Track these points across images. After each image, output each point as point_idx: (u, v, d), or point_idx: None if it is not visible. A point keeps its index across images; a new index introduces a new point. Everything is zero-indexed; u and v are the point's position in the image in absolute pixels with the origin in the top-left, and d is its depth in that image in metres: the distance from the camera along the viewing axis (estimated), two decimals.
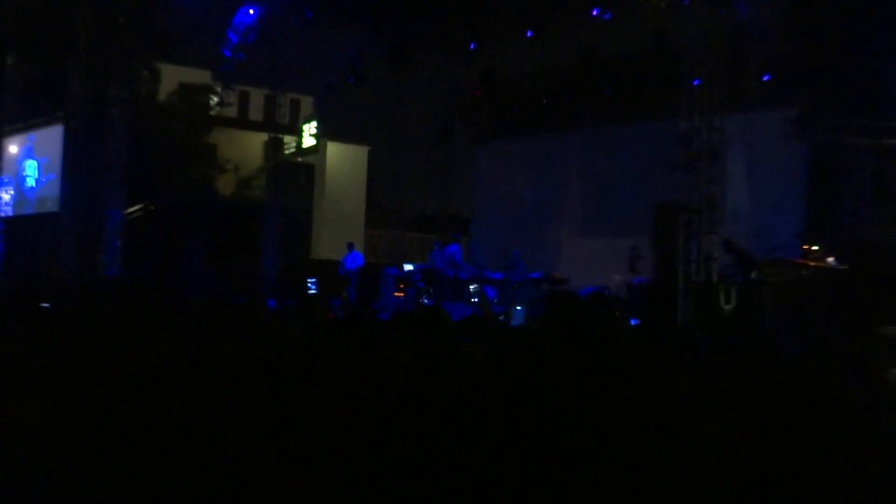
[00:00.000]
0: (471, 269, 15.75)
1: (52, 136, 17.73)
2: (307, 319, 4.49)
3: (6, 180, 19.42)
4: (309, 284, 15.57)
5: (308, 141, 21.40)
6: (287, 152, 21.07)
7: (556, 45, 16.05)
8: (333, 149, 23.93)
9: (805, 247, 10.67)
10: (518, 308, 3.85)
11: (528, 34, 15.22)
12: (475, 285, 15.26)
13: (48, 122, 18.31)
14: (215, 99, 20.18)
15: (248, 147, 23.06)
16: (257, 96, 23.99)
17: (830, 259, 9.97)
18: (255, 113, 24.37)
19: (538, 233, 18.24)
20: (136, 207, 17.82)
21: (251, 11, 16.42)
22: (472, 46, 16.55)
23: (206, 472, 1.64)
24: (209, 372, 2.23)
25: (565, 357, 1.21)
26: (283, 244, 18.67)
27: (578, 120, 17.73)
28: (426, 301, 14.59)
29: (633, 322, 10.78)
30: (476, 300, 14.79)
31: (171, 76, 21.21)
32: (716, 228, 12.10)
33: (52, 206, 17.23)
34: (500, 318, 12.67)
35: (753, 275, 11.18)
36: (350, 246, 18.04)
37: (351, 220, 23.36)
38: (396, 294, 16.33)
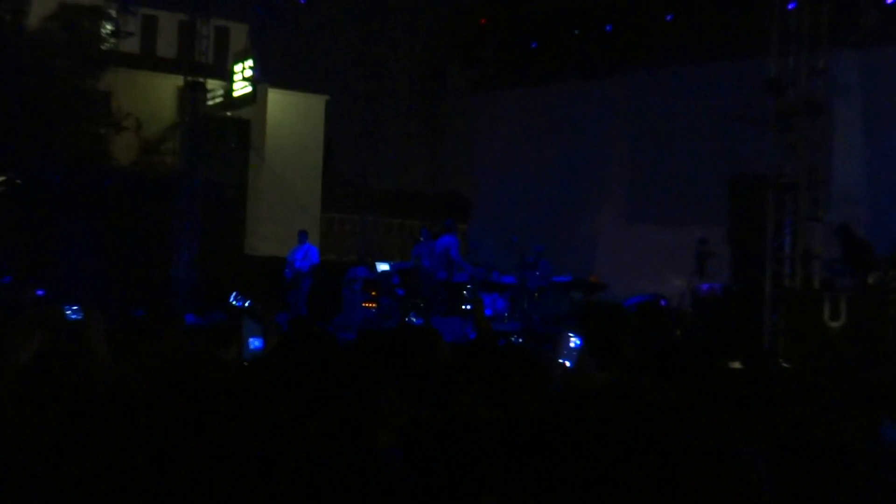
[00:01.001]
0: (471, 270, 15.67)
1: None
2: (237, 343, 4.37)
3: None
4: (233, 300, 15.43)
5: (241, 87, 21.16)
6: (211, 103, 20.84)
7: None
8: (277, 99, 23.73)
9: None
10: (570, 336, 3.63)
11: None
12: (471, 291, 15.19)
13: None
14: (109, 27, 19.89)
15: (156, 96, 22.84)
16: (169, 23, 23.73)
17: None
18: (166, 47, 24.14)
19: (567, 219, 18.16)
20: None
21: None
22: None
23: None
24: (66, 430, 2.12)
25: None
26: (206, 233, 18.49)
27: (624, 60, 17.63)
28: (414, 319, 14.53)
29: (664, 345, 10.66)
30: (468, 308, 14.74)
31: None
32: (818, 212, 12.01)
33: None
34: (514, 339, 12.55)
35: (872, 279, 11.09)
36: (301, 236, 17.89)
37: (302, 199, 23.18)
38: (366, 305, 16.23)
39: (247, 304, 15.63)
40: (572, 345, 3.66)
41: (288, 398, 2.19)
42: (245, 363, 4.20)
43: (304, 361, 2.48)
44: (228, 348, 4.46)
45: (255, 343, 4.34)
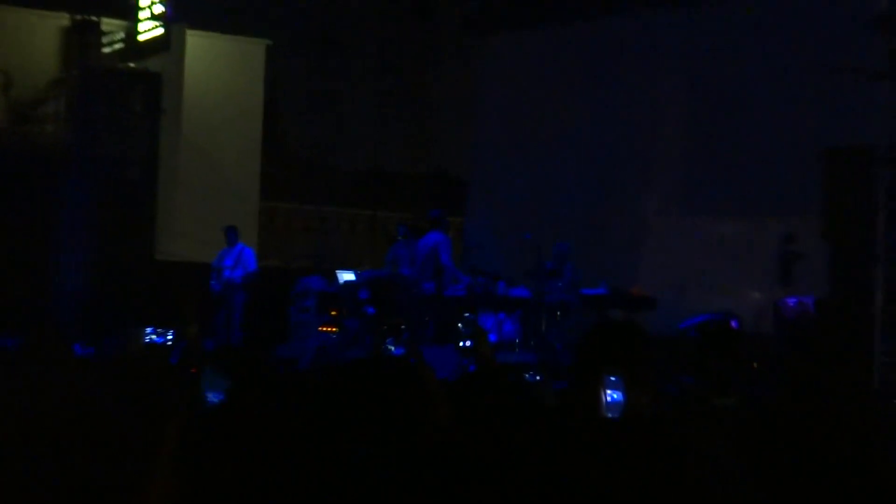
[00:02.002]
0: (468, 282, 15.59)
1: None
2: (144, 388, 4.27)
3: None
4: (150, 334, 15.30)
5: (149, 29, 21.01)
6: (108, 51, 20.70)
7: None
8: (199, 44, 23.57)
9: None
10: (609, 382, 3.54)
11: None
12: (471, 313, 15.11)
13: None
14: None
15: (33, 41, 22.68)
16: None
17: None
18: None
19: (599, 209, 18.12)
20: None
21: None
22: None
23: None
24: None
25: None
26: (102, 230, 18.40)
27: None
28: (393, 348, 14.44)
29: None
30: (466, 334, 14.66)
31: None
32: None
33: None
34: (529, 376, 12.46)
35: None
36: (232, 234, 17.78)
37: (234, 182, 23.08)
38: (323, 329, 16.14)
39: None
40: (610, 399, 3.62)
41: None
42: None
43: (237, 411, 2.39)
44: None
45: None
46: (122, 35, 21.25)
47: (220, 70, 23.46)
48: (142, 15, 20.96)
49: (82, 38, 19.19)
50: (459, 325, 15.08)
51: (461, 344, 14.75)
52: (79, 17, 18.92)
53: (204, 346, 11.78)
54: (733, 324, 13.57)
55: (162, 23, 20.74)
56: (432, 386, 3.51)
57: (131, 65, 21.78)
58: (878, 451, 3.85)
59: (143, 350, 14.69)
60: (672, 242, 17.42)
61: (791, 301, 13.38)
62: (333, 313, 16.31)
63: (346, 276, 16.73)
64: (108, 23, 20.37)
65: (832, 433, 3.98)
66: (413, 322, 15.15)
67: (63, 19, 20.12)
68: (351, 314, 16.02)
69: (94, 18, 19.03)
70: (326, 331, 16.19)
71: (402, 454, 3.05)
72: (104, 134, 19.33)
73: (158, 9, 20.61)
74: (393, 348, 14.80)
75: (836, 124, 14.33)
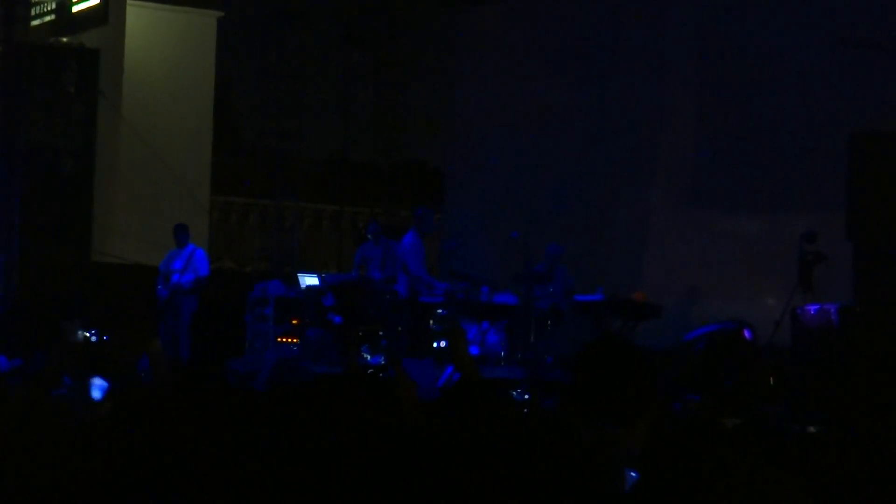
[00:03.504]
0: (446, 288, 15.55)
1: None
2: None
3: None
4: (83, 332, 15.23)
5: None
6: (37, 23, 20.65)
7: None
8: (141, 17, 23.55)
9: None
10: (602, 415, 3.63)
11: None
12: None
13: None
14: None
15: None
16: None
17: None
18: None
19: (595, 203, 18.09)
20: None
21: None
22: None
23: None
24: None
25: None
26: (30, 228, 18.35)
27: None
28: (368, 357, 14.38)
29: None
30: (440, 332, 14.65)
31: None
32: None
33: None
34: (516, 393, 12.43)
35: None
36: (181, 234, 17.72)
37: (181, 174, 23.03)
38: (282, 340, 16.11)
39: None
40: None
41: None
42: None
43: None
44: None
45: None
46: (53, 5, 21.21)
47: (165, 46, 23.44)
48: None
49: (7, 9, 19.11)
50: (431, 321, 15.02)
51: (435, 345, 14.73)
52: None
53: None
54: (746, 334, 13.56)
55: None
56: (412, 403, 3.52)
57: (64, 39, 21.75)
58: None
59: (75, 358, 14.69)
60: (678, 241, 17.41)
61: (812, 309, 13.34)
62: (294, 322, 16.27)
63: (309, 280, 16.68)
64: None
65: (859, 459, 4.00)
66: (390, 330, 15.13)
67: None
68: (314, 323, 15.98)
69: None
70: (286, 342, 16.15)
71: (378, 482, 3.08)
72: (33, 119, 19.25)
73: None
74: (369, 357, 14.77)
75: (865, 105, 14.34)
